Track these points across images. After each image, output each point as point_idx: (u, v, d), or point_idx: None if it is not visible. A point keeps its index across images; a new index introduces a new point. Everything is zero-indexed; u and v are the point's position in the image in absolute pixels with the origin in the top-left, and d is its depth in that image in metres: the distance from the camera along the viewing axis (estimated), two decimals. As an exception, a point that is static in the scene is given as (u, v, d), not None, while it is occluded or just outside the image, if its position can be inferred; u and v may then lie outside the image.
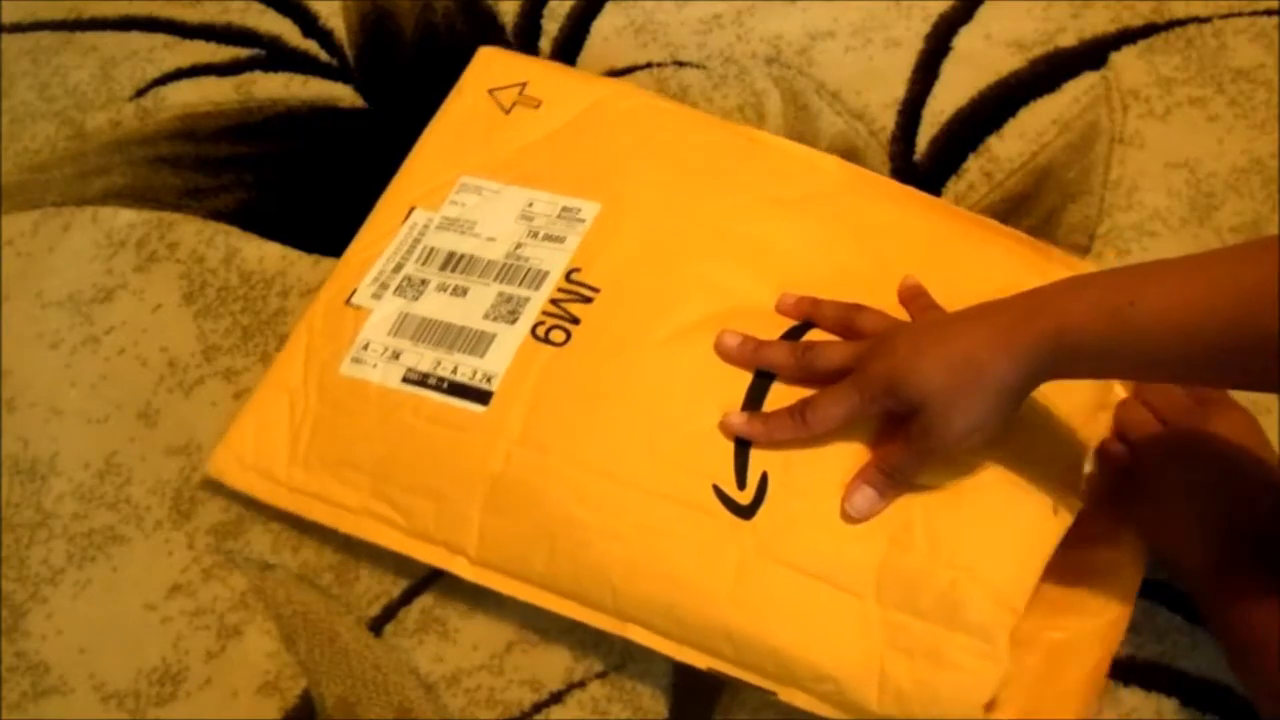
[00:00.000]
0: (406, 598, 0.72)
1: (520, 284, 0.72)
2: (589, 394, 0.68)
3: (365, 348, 0.73)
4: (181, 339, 0.81)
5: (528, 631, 0.70)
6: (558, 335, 0.69)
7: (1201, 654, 0.65)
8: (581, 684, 0.69)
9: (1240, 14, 0.83)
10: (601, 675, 0.69)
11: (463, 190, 0.78)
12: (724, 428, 0.64)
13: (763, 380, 0.65)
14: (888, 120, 0.83)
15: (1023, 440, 0.62)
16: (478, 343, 0.70)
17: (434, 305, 0.73)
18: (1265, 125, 0.79)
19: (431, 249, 0.76)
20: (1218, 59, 0.82)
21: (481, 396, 0.69)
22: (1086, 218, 0.78)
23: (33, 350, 0.83)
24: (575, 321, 0.70)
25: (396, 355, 0.72)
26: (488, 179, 0.78)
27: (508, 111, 0.81)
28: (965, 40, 0.85)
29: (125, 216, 0.86)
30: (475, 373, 0.69)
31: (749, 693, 0.66)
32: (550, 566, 0.66)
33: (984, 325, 0.57)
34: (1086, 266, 0.73)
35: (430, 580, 0.72)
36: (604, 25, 0.90)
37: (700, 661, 0.63)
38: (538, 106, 0.80)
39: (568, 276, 0.72)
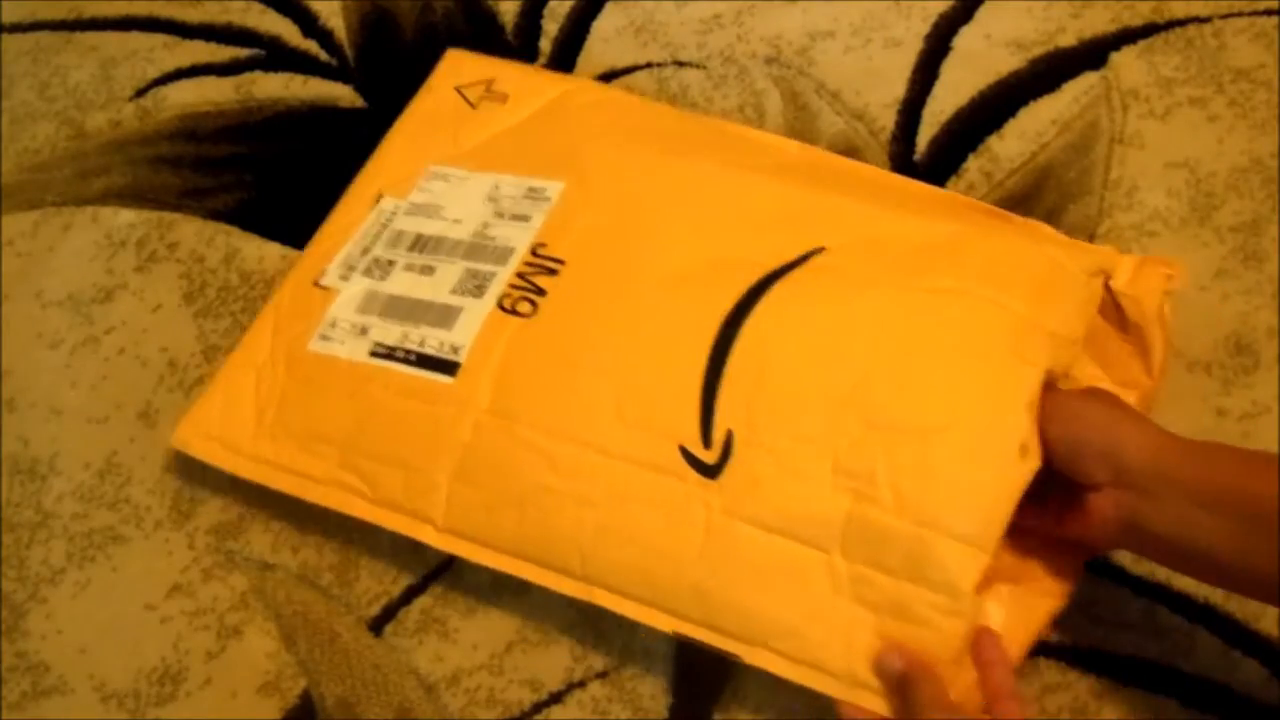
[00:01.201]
0: (406, 598, 0.72)
1: (486, 261, 0.73)
2: (556, 362, 0.68)
3: (333, 325, 0.74)
4: (181, 339, 0.82)
5: (528, 631, 0.70)
6: (524, 307, 0.70)
7: (1201, 654, 0.65)
8: (581, 684, 0.69)
9: (1240, 14, 0.83)
10: (601, 675, 0.69)
11: (430, 178, 0.79)
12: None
13: (725, 337, 0.66)
14: (888, 120, 0.83)
15: (986, 385, 0.62)
16: (444, 316, 0.71)
17: (401, 284, 0.74)
18: (1265, 125, 0.79)
19: (399, 232, 0.77)
20: (1218, 59, 0.82)
21: (449, 368, 0.70)
22: (1086, 218, 0.78)
23: (33, 350, 0.83)
24: (541, 293, 0.70)
25: (364, 331, 0.73)
26: (455, 167, 0.79)
27: (475, 106, 0.83)
28: (965, 40, 0.85)
29: (125, 216, 0.86)
30: (442, 345, 0.70)
31: (748, 691, 0.66)
32: (518, 533, 0.66)
33: None
34: (1045, 230, 0.73)
35: (430, 580, 0.72)
36: (604, 25, 0.90)
37: (666, 625, 0.63)
38: (504, 101, 0.82)
39: (533, 251, 0.73)
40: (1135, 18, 0.84)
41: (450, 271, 0.73)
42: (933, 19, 0.86)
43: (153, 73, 0.93)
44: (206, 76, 0.92)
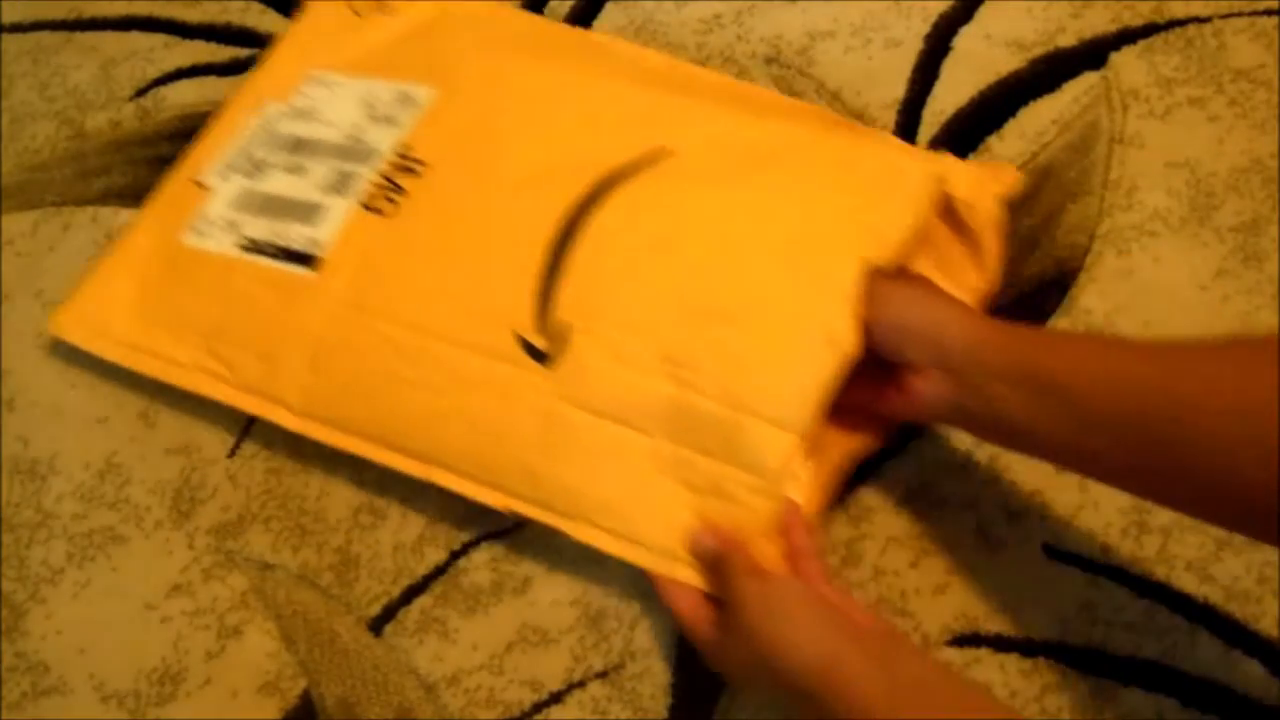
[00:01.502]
0: (406, 598, 0.72)
1: (354, 161, 0.77)
2: (410, 257, 0.72)
3: (207, 220, 0.78)
4: (181, 339, 0.81)
5: (528, 631, 0.70)
6: (385, 205, 0.74)
7: (1201, 654, 0.65)
8: (581, 684, 0.69)
9: (1240, 14, 0.83)
10: (601, 675, 0.69)
11: (311, 84, 0.83)
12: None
13: (566, 233, 0.69)
14: (888, 120, 0.83)
15: (804, 276, 0.65)
16: (310, 213, 0.76)
17: (274, 183, 0.78)
18: (1265, 125, 0.79)
19: (278, 134, 0.81)
20: (1218, 59, 0.82)
21: (309, 261, 0.74)
22: (1086, 218, 0.78)
23: (33, 350, 0.83)
24: (402, 192, 0.74)
25: (235, 226, 0.77)
26: (335, 74, 0.83)
27: (361, 16, 0.87)
28: (965, 40, 0.85)
29: (125, 216, 0.86)
30: (305, 239, 0.74)
31: (747, 692, 0.66)
32: (367, 416, 0.71)
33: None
34: (887, 137, 0.77)
35: (430, 580, 0.72)
36: (604, 25, 0.90)
37: (499, 503, 0.67)
38: (389, 13, 0.87)
39: (398, 153, 0.77)
40: (1135, 18, 0.84)
41: (320, 171, 0.78)
42: (933, 19, 0.86)
43: (153, 73, 0.93)
44: (206, 76, 0.92)
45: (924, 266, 0.72)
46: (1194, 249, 0.76)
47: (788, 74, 0.86)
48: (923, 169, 0.71)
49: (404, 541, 0.73)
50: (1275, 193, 0.77)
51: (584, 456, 0.66)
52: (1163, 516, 0.68)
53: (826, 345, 0.62)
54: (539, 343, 0.67)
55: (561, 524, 0.66)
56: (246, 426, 0.78)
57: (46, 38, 0.96)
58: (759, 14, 0.89)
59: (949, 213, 0.71)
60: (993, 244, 0.71)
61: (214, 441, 0.78)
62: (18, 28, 0.97)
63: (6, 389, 0.82)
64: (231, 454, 0.77)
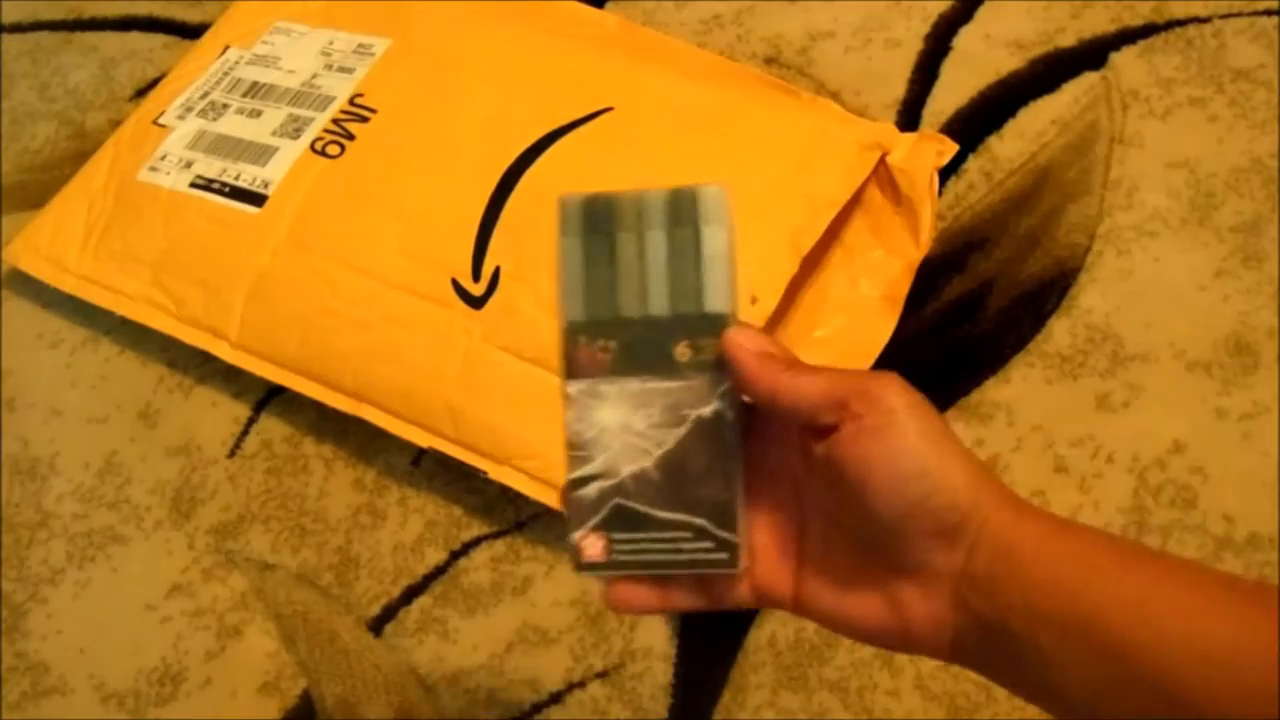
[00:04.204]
0: (406, 598, 0.72)
1: (308, 107, 0.80)
2: (353, 200, 0.75)
3: (163, 158, 0.81)
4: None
5: (528, 631, 0.70)
6: (333, 149, 0.77)
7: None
8: (581, 684, 0.69)
9: (1240, 14, 0.83)
10: (601, 675, 0.69)
11: (274, 32, 0.86)
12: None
13: (506, 184, 0.71)
14: (888, 120, 0.83)
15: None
16: (261, 154, 0.78)
17: (230, 125, 0.81)
18: (1265, 125, 0.79)
19: (238, 79, 0.83)
20: (1218, 59, 0.82)
21: (257, 200, 0.77)
22: (1086, 218, 0.78)
23: (33, 350, 0.83)
24: (351, 138, 0.77)
25: (189, 165, 0.80)
26: (298, 23, 0.86)
27: None
28: (965, 40, 0.85)
29: (125, 216, 0.86)
30: (255, 179, 0.77)
31: (748, 691, 0.66)
32: (301, 351, 0.73)
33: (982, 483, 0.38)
34: (828, 105, 0.79)
35: (430, 580, 0.72)
36: (604, 25, 0.90)
37: (423, 440, 0.70)
38: None
39: (351, 100, 0.79)
40: (1135, 18, 0.84)
41: (275, 115, 0.80)
42: (933, 19, 0.86)
43: (152, 73, 0.93)
44: (206, 76, 0.92)
45: (863, 232, 0.74)
46: (1194, 249, 0.76)
47: (788, 74, 0.86)
48: (859, 137, 0.73)
49: (404, 541, 0.73)
50: (1275, 193, 0.77)
51: (505, 398, 0.68)
52: (1163, 516, 0.68)
53: (745, 305, 0.63)
54: (472, 288, 0.70)
55: (484, 465, 0.68)
56: (246, 426, 0.78)
57: (46, 38, 0.96)
58: (759, 14, 0.89)
59: (887, 181, 0.73)
60: (927, 212, 0.73)
61: (214, 441, 0.78)
62: (18, 28, 0.97)
63: (6, 389, 0.82)
64: (231, 454, 0.77)
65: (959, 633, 0.38)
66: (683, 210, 0.42)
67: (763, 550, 0.42)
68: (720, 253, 0.41)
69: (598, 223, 0.43)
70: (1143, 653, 0.34)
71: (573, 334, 0.42)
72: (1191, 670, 0.33)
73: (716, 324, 0.41)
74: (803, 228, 0.70)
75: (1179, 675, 0.34)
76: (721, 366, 0.41)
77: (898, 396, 0.38)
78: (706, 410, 0.41)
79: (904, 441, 0.38)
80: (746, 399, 0.41)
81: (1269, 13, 0.83)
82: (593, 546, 0.42)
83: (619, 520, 0.42)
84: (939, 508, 0.38)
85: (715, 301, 0.41)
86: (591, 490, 0.42)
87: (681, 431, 0.41)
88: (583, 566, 0.42)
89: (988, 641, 0.38)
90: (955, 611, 0.38)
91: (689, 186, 0.42)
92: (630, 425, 0.42)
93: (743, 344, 0.41)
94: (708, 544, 0.41)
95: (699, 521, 0.41)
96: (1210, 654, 0.33)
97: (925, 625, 0.39)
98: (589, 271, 0.42)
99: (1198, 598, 0.35)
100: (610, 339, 0.42)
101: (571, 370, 0.42)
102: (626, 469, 0.41)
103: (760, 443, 0.43)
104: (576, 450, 0.42)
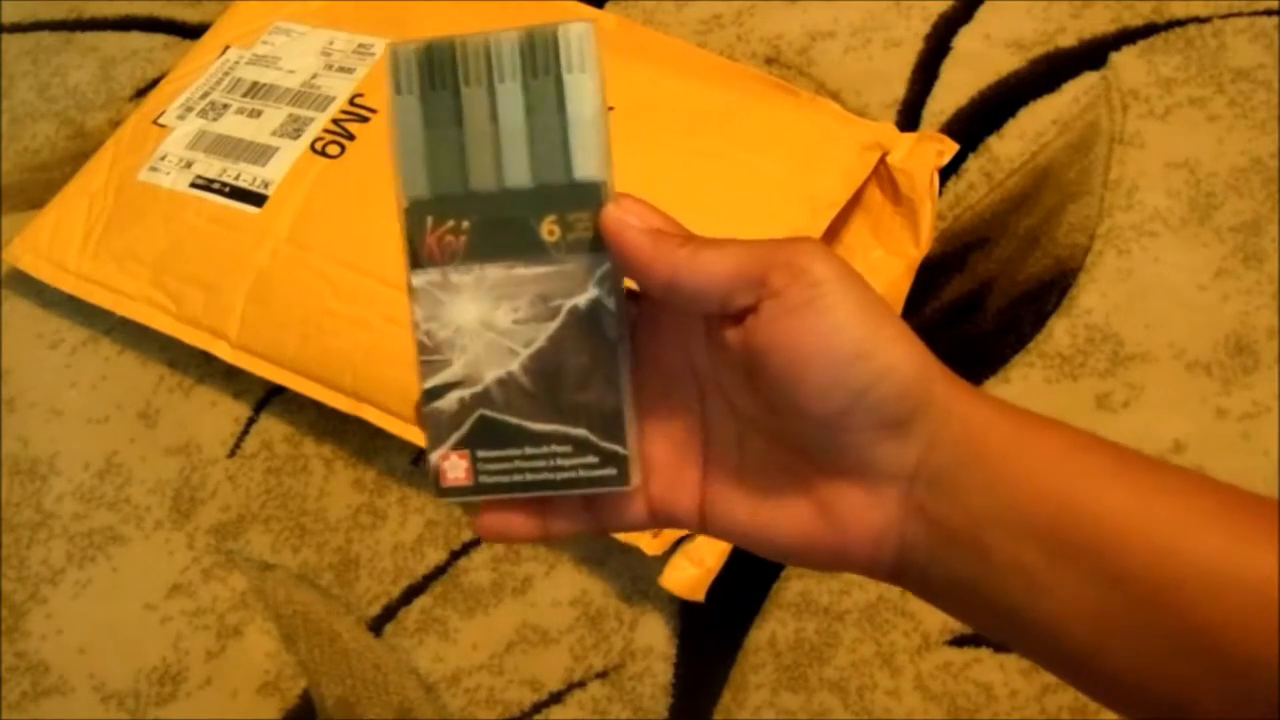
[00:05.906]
0: (406, 598, 0.72)
1: (308, 107, 0.80)
2: (352, 199, 0.75)
3: (163, 158, 0.81)
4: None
5: (528, 631, 0.70)
6: (334, 149, 0.77)
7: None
8: (581, 684, 0.69)
9: (1240, 14, 0.83)
10: (601, 675, 0.69)
11: (275, 32, 0.86)
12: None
13: None
14: (888, 120, 0.83)
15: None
16: (261, 154, 0.78)
17: (230, 125, 0.81)
18: (1265, 125, 0.79)
19: (238, 80, 0.83)
20: (1218, 59, 0.82)
21: (257, 199, 0.77)
22: (1086, 218, 0.78)
23: (33, 350, 0.83)
24: (351, 138, 0.77)
25: (189, 165, 0.80)
26: (299, 24, 0.86)
27: None
28: (965, 40, 0.85)
29: (125, 216, 0.86)
30: (255, 179, 0.77)
31: (748, 691, 0.66)
32: (301, 351, 0.73)
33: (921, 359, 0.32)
34: (827, 105, 0.79)
35: (430, 580, 0.72)
36: (604, 25, 0.90)
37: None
38: None
39: (351, 100, 0.79)
40: (1135, 18, 0.84)
41: (275, 115, 0.80)
42: (933, 19, 0.86)
43: (153, 73, 0.93)
44: (206, 76, 0.92)
45: (863, 232, 0.74)
46: (1194, 249, 0.76)
47: (788, 74, 0.86)
48: (859, 137, 0.73)
49: (404, 541, 0.73)
50: (1275, 193, 0.77)
51: None
52: (1163, 516, 0.68)
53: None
54: None
55: None
56: (246, 426, 0.78)
57: (46, 38, 0.96)
58: (759, 14, 0.89)
59: (887, 181, 0.73)
60: (927, 212, 0.73)
61: (214, 441, 0.78)
62: (18, 28, 0.97)
63: (6, 389, 0.81)
64: (231, 454, 0.77)
65: (906, 546, 0.32)
66: (541, 56, 0.35)
67: (659, 462, 0.36)
68: (589, 108, 0.35)
69: (439, 77, 0.36)
70: (1156, 575, 0.29)
71: (417, 214, 0.36)
72: (1219, 599, 0.28)
73: (589, 195, 0.35)
74: (803, 228, 0.70)
75: (1200, 604, 0.28)
76: (598, 246, 0.35)
77: (825, 265, 0.32)
78: (582, 299, 0.35)
79: (838, 318, 0.31)
80: (632, 284, 0.35)
81: (1269, 13, 0.83)
82: (455, 468, 0.36)
83: (485, 435, 0.36)
84: (886, 397, 0.31)
85: (586, 168, 0.35)
86: (450, 401, 0.36)
87: (553, 326, 0.35)
88: (444, 492, 0.36)
89: (947, 558, 0.32)
90: (905, 520, 0.32)
91: (547, 25, 0.35)
92: (492, 321, 0.36)
93: (627, 220, 0.34)
94: (591, 458, 0.35)
95: (579, 432, 0.35)
96: (1234, 579, 0.28)
97: (864, 536, 0.33)
98: (431, 137, 0.36)
99: (1215, 514, 0.29)
100: (462, 219, 0.36)
101: (417, 259, 0.36)
102: (490, 374, 0.36)
103: (649, 334, 0.36)
104: (429, 355, 0.36)
